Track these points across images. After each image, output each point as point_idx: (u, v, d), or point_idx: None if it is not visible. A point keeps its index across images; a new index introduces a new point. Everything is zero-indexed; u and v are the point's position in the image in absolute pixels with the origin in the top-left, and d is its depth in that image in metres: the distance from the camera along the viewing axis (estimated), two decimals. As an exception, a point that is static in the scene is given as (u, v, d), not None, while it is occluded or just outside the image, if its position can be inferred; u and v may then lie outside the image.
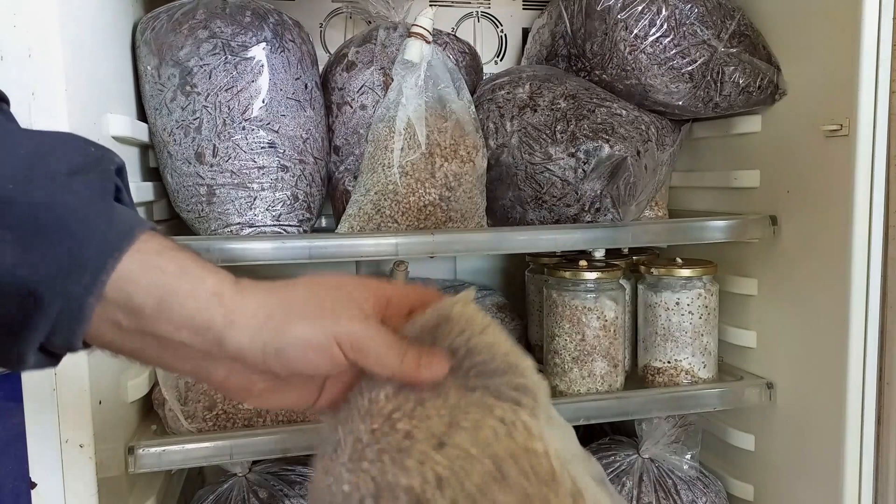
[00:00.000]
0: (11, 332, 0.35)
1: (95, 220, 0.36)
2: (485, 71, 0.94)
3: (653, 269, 0.87)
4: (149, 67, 0.74)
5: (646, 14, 0.80)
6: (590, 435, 1.05)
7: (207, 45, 0.72)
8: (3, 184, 0.34)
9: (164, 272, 0.37)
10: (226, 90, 0.72)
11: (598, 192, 0.80)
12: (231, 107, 0.72)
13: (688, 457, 0.92)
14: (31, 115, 0.56)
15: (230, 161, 0.73)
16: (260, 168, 0.74)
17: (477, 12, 1.06)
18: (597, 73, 0.85)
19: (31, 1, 0.56)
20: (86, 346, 0.38)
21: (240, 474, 0.85)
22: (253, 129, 0.73)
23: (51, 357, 0.38)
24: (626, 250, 0.99)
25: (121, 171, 0.40)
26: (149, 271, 0.36)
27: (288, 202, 0.76)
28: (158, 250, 0.37)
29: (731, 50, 0.82)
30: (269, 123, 0.74)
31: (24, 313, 0.35)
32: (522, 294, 1.04)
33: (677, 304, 0.86)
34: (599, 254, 0.90)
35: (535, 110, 0.82)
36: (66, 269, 0.34)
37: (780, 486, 0.87)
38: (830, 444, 0.77)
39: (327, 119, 0.82)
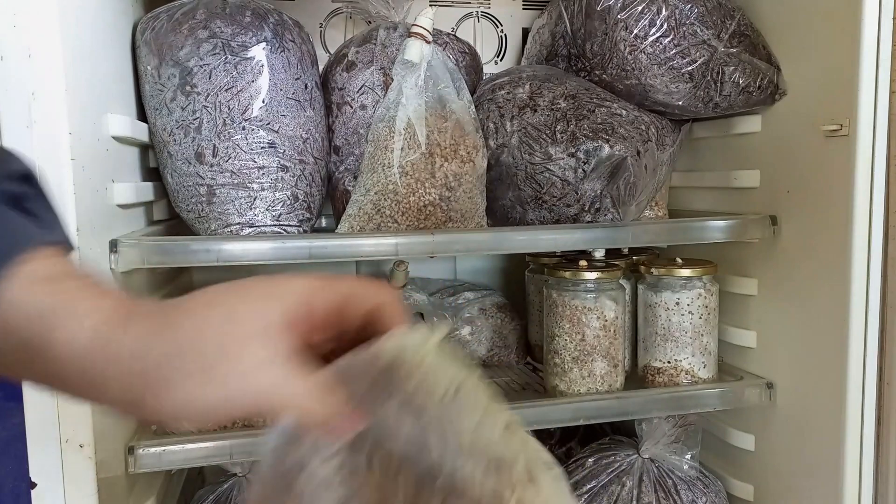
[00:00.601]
0: None
1: None
2: (485, 71, 0.94)
3: (653, 269, 0.87)
4: (149, 67, 0.74)
5: (646, 14, 0.80)
6: (590, 435, 1.05)
7: (207, 45, 0.72)
8: None
9: (39, 320, 0.32)
10: (226, 90, 0.72)
11: (598, 192, 0.80)
12: (231, 107, 0.72)
13: (688, 457, 0.92)
14: (31, 114, 0.56)
15: (230, 161, 0.73)
16: (260, 168, 0.74)
17: (477, 12, 1.06)
18: (597, 73, 0.85)
19: (31, 1, 0.56)
20: None
21: (240, 474, 0.85)
22: (253, 129, 0.73)
23: None
24: (626, 250, 0.99)
25: (27, 176, 0.36)
26: (23, 310, 0.32)
27: (288, 202, 0.76)
28: (41, 279, 0.33)
29: (731, 50, 0.82)
30: (269, 123, 0.74)
31: None
32: (522, 294, 1.04)
33: (677, 304, 0.86)
34: (599, 254, 0.90)
35: (535, 110, 0.82)
36: None
37: (780, 486, 0.87)
38: (830, 444, 0.77)
39: (327, 119, 0.82)
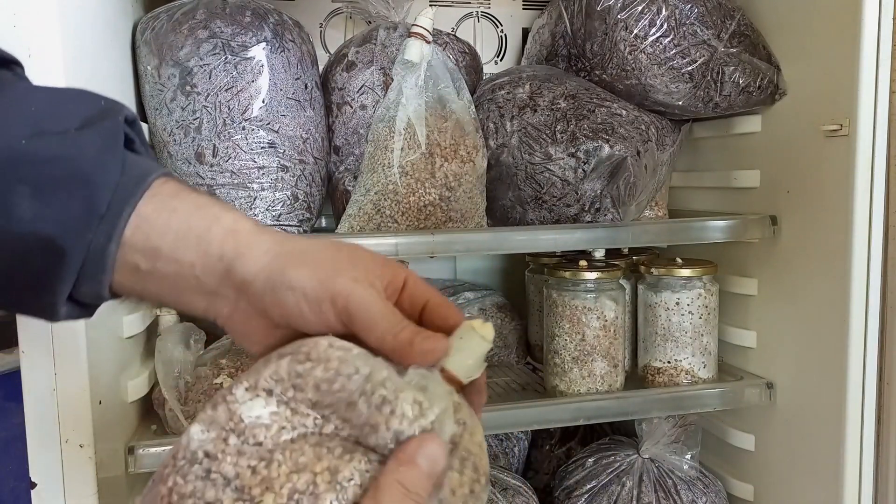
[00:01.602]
0: (40, 284, 0.36)
1: (109, 169, 0.36)
2: (485, 71, 0.94)
3: (653, 269, 0.87)
4: (149, 67, 0.74)
5: (646, 14, 0.80)
6: (590, 435, 1.06)
7: (207, 45, 0.72)
8: (16, 141, 0.35)
9: (179, 212, 0.37)
10: (226, 90, 0.72)
11: (598, 191, 0.80)
12: (231, 107, 0.72)
13: (688, 457, 0.92)
14: (31, 115, 0.56)
15: (230, 161, 0.73)
16: (260, 168, 0.74)
17: (477, 12, 1.06)
18: (597, 73, 0.85)
19: (31, 1, 0.56)
20: (114, 295, 0.39)
21: (240, 474, 0.85)
22: (253, 129, 0.73)
23: (83, 307, 0.39)
24: (626, 250, 0.99)
25: (132, 122, 0.40)
26: (164, 212, 0.37)
27: (288, 202, 0.76)
28: (173, 193, 0.38)
29: (731, 50, 0.82)
30: (269, 123, 0.74)
31: (48, 265, 0.35)
32: (522, 294, 1.04)
33: (677, 304, 0.86)
34: (599, 254, 0.90)
35: (535, 110, 0.82)
36: (84, 219, 0.35)
37: (780, 486, 0.87)
38: (830, 444, 0.77)
39: (327, 119, 0.82)
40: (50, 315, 0.38)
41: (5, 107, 0.36)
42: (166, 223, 0.37)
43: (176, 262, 0.37)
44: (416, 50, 0.78)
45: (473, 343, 0.38)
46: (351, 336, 0.37)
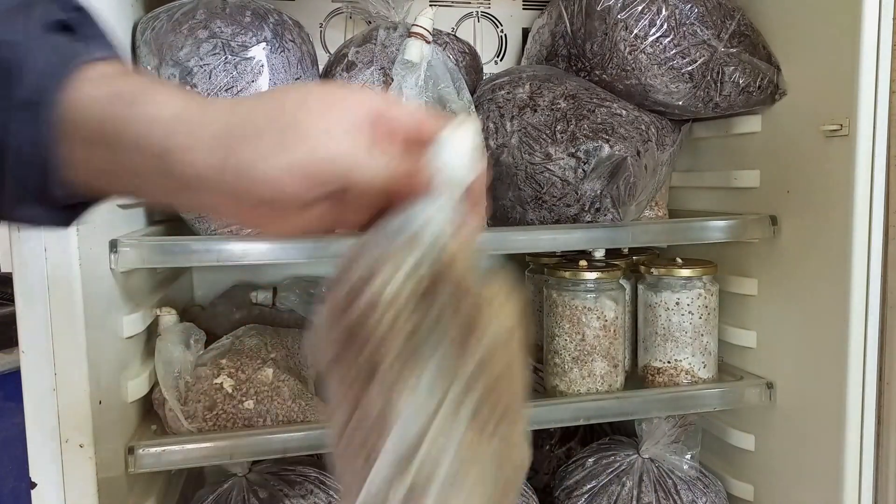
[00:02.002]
0: None
1: (33, 53, 0.33)
2: (485, 71, 0.94)
3: (653, 269, 0.87)
4: (149, 67, 0.74)
5: (646, 14, 0.80)
6: (590, 435, 1.05)
7: (207, 45, 0.72)
8: None
9: (114, 98, 0.33)
10: (226, 90, 0.72)
11: (598, 192, 0.80)
12: (231, 107, 0.72)
13: (688, 457, 0.92)
14: (31, 115, 0.56)
15: (230, 161, 0.73)
16: (260, 168, 0.74)
17: (477, 12, 1.06)
18: (597, 73, 0.85)
19: (31, 1, 0.56)
20: (92, 195, 0.36)
21: (240, 474, 0.85)
22: (253, 129, 0.73)
23: (68, 210, 0.36)
24: (626, 250, 0.99)
25: (78, 7, 0.37)
26: (98, 99, 0.33)
27: (288, 202, 0.76)
28: (109, 77, 0.34)
29: (731, 50, 0.82)
30: (269, 123, 0.74)
31: None
32: (522, 294, 1.04)
33: (677, 304, 0.86)
34: (599, 254, 0.90)
35: (535, 110, 0.82)
36: (13, 108, 0.32)
37: (780, 486, 0.87)
38: (830, 444, 0.77)
39: (327, 119, 0.82)
40: (14, 219, 0.35)
41: None
42: (100, 112, 0.33)
43: (127, 159, 0.33)
44: (416, 50, 0.78)
45: (456, 146, 0.35)
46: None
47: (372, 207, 0.36)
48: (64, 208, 0.36)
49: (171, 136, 0.33)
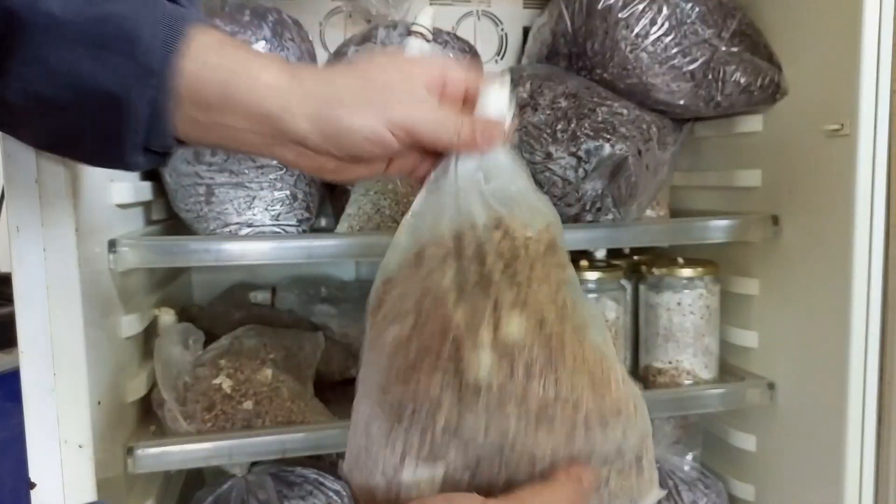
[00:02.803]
0: (113, 135, 0.40)
1: (148, 24, 0.39)
2: (485, 70, 0.93)
3: (654, 270, 0.87)
4: (148, 67, 0.74)
5: (647, 13, 0.80)
6: (590, 435, 1.05)
7: (207, 45, 0.72)
8: (64, 5, 0.38)
9: (222, 69, 0.40)
10: (225, 89, 0.72)
11: (599, 191, 0.80)
12: (230, 106, 0.72)
13: (689, 457, 0.91)
14: (30, 114, 0.56)
15: (229, 160, 0.73)
16: (259, 167, 0.74)
17: (477, 11, 1.05)
18: (598, 71, 0.84)
19: (30, 0, 0.55)
20: (181, 143, 0.42)
21: (239, 475, 0.84)
22: (252, 129, 0.73)
23: (159, 156, 0.43)
24: (627, 250, 0.99)
25: None
26: (208, 69, 0.40)
27: (287, 201, 0.76)
28: (214, 46, 0.41)
29: (733, 49, 0.82)
30: (268, 123, 0.73)
31: (117, 118, 0.39)
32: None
33: (679, 304, 0.85)
34: (600, 254, 0.90)
35: (536, 109, 0.82)
36: (136, 75, 0.39)
37: (781, 486, 0.87)
38: (832, 445, 0.77)
39: (327, 118, 0.82)
40: (127, 164, 0.42)
41: None
42: (212, 80, 0.40)
43: (228, 117, 0.41)
44: (415, 49, 0.77)
45: (494, 96, 0.45)
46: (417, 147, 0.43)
47: (437, 157, 0.45)
48: (160, 153, 0.42)
49: (283, 104, 0.40)
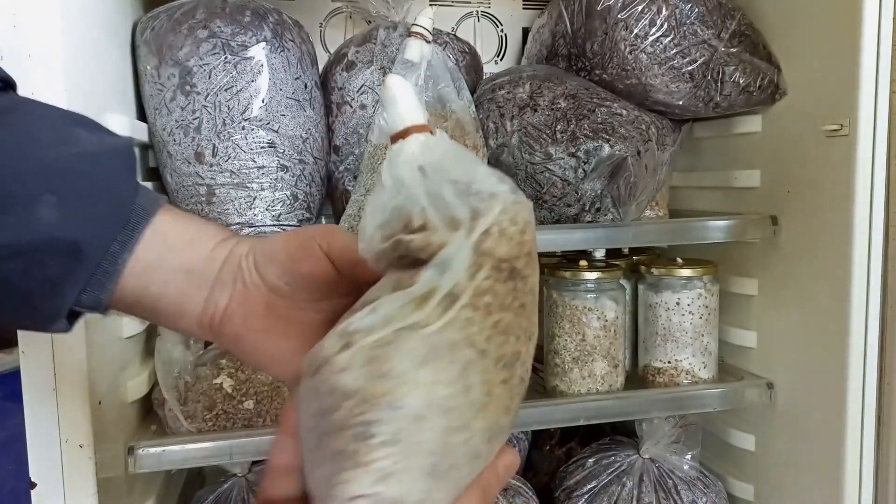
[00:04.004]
0: (51, 289, 0.38)
1: (127, 190, 0.40)
2: (485, 70, 0.94)
3: (653, 269, 0.87)
4: (148, 67, 0.74)
5: (646, 14, 0.80)
6: (590, 435, 1.05)
7: (207, 45, 0.72)
8: (45, 154, 0.37)
9: (192, 220, 0.42)
10: (225, 90, 0.72)
11: (599, 191, 0.80)
12: (231, 106, 0.72)
13: (688, 457, 0.91)
14: (31, 114, 0.56)
15: (230, 161, 0.73)
16: (259, 168, 0.74)
17: (477, 12, 1.05)
18: (597, 72, 0.85)
19: (31, 1, 0.56)
20: (105, 309, 0.41)
21: (239, 474, 0.85)
22: (252, 129, 0.73)
23: (68, 320, 0.41)
24: (626, 250, 0.99)
25: (135, 155, 0.43)
26: (180, 220, 0.41)
27: (287, 202, 0.76)
28: (180, 213, 0.42)
29: (732, 50, 0.82)
30: (268, 123, 0.74)
31: (65, 269, 0.38)
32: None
33: (678, 304, 0.85)
34: (600, 254, 0.90)
35: (536, 110, 0.82)
36: (110, 227, 0.38)
37: (780, 486, 0.87)
38: (831, 445, 0.77)
39: (327, 119, 0.82)
40: (51, 321, 0.39)
41: (28, 124, 0.39)
42: (183, 227, 0.41)
43: (189, 254, 0.41)
44: (415, 49, 0.78)
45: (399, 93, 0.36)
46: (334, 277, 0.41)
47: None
48: (77, 316, 0.41)
49: (235, 237, 0.42)
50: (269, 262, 0.40)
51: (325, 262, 0.40)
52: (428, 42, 0.79)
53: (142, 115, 0.77)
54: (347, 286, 0.42)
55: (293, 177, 0.76)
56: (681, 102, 0.84)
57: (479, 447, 0.32)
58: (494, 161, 0.84)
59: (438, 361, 0.31)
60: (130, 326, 0.74)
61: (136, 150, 0.78)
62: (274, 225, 0.75)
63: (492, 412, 0.32)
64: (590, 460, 0.94)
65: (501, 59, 1.07)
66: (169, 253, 0.40)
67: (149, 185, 0.80)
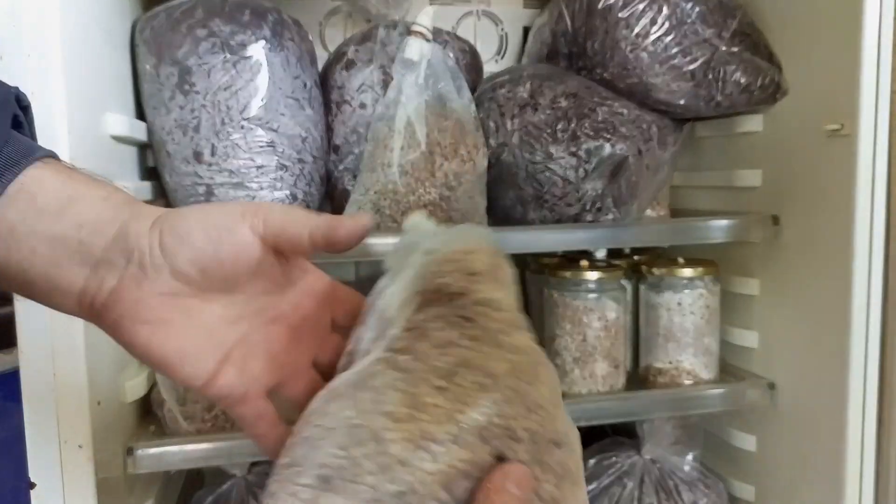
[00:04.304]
0: None
1: None
2: (485, 69, 0.93)
3: (654, 270, 0.87)
4: (147, 66, 0.74)
5: (647, 12, 0.80)
6: (591, 436, 1.05)
7: (206, 44, 0.72)
8: None
9: (74, 179, 0.35)
10: (224, 89, 0.72)
11: (600, 191, 0.80)
12: (230, 106, 0.72)
13: (689, 458, 0.91)
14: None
15: (229, 160, 0.73)
16: (259, 167, 0.74)
17: (477, 10, 1.05)
18: (598, 71, 0.84)
19: (31, 1, 0.55)
20: None
21: (239, 475, 0.84)
22: (252, 129, 0.73)
23: None
24: (627, 250, 0.99)
25: (25, 107, 0.38)
26: (58, 178, 0.35)
27: (287, 201, 0.76)
28: (65, 168, 0.36)
29: (733, 49, 0.82)
30: (267, 122, 0.73)
31: None
32: (523, 294, 1.04)
33: (679, 304, 0.85)
34: (601, 254, 0.90)
35: (536, 109, 0.81)
36: None
37: (781, 486, 0.87)
38: (832, 445, 0.77)
39: (326, 118, 0.82)
40: None
41: None
42: (58, 188, 0.34)
43: (61, 224, 0.34)
44: (415, 48, 0.77)
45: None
46: (272, 251, 0.36)
47: None
48: None
49: (122, 211, 0.36)
50: (181, 243, 0.34)
51: (252, 247, 0.35)
52: (428, 41, 0.79)
53: (141, 115, 0.77)
54: (270, 279, 0.37)
55: (292, 176, 0.76)
56: (682, 102, 0.84)
57: (404, 455, 0.30)
58: (495, 160, 0.84)
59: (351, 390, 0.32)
60: (130, 326, 0.73)
61: (134, 150, 0.78)
62: (274, 225, 0.75)
63: (423, 422, 0.31)
64: (591, 461, 0.93)
65: (502, 58, 1.07)
66: (37, 216, 0.34)
67: (147, 184, 0.80)
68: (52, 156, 0.36)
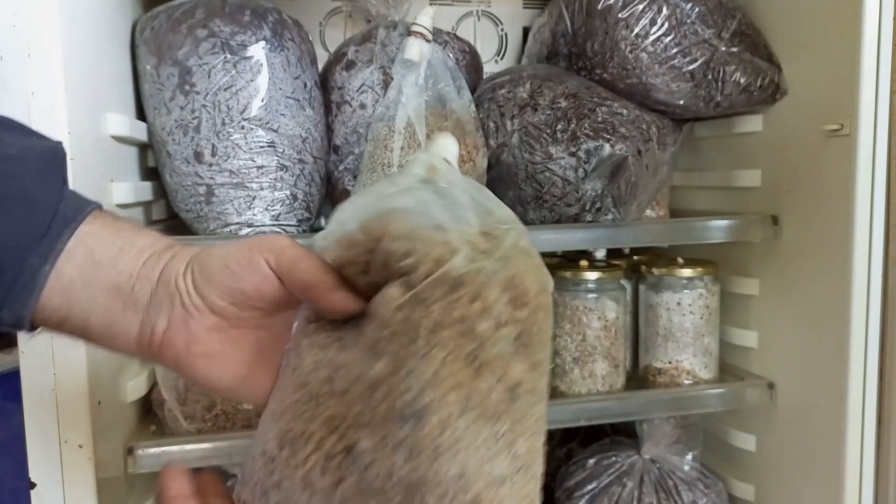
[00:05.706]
0: None
1: (48, 195, 0.36)
2: (485, 70, 0.93)
3: (654, 269, 0.87)
4: (148, 67, 0.74)
5: (647, 13, 0.80)
6: (591, 436, 1.05)
7: (206, 45, 0.72)
8: None
9: (122, 230, 0.38)
10: (225, 89, 0.72)
11: (599, 191, 0.80)
12: (230, 106, 0.72)
13: (689, 457, 0.91)
14: (31, 114, 0.56)
15: (229, 160, 0.73)
16: (259, 167, 0.74)
17: (477, 11, 1.05)
18: (597, 72, 0.84)
19: (31, 1, 0.56)
20: (32, 327, 0.37)
21: (239, 475, 0.84)
22: (252, 129, 0.73)
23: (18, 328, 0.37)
24: (626, 250, 0.99)
25: (64, 159, 0.40)
26: (108, 230, 0.37)
27: (287, 202, 0.76)
28: (112, 220, 0.38)
29: (732, 49, 0.82)
30: (268, 123, 0.74)
31: None
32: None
33: (678, 304, 0.85)
34: (600, 254, 0.90)
35: (536, 109, 0.82)
36: (25, 237, 0.35)
37: (781, 486, 0.87)
38: (831, 445, 0.77)
39: (326, 118, 0.82)
40: None
41: None
42: (109, 239, 0.37)
43: (115, 271, 0.36)
44: (416, 49, 0.77)
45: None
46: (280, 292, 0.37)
47: None
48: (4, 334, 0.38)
49: (170, 252, 0.38)
50: (208, 282, 0.36)
51: (271, 279, 0.36)
52: (428, 41, 0.79)
53: (141, 115, 0.77)
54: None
55: (293, 176, 0.76)
56: (681, 102, 0.84)
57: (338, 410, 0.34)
58: (495, 161, 0.84)
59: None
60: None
61: (135, 150, 0.78)
62: (273, 225, 0.75)
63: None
64: (590, 461, 0.94)
65: (502, 59, 1.07)
66: (94, 268, 0.36)
67: (147, 185, 0.80)
68: (98, 207, 0.38)
